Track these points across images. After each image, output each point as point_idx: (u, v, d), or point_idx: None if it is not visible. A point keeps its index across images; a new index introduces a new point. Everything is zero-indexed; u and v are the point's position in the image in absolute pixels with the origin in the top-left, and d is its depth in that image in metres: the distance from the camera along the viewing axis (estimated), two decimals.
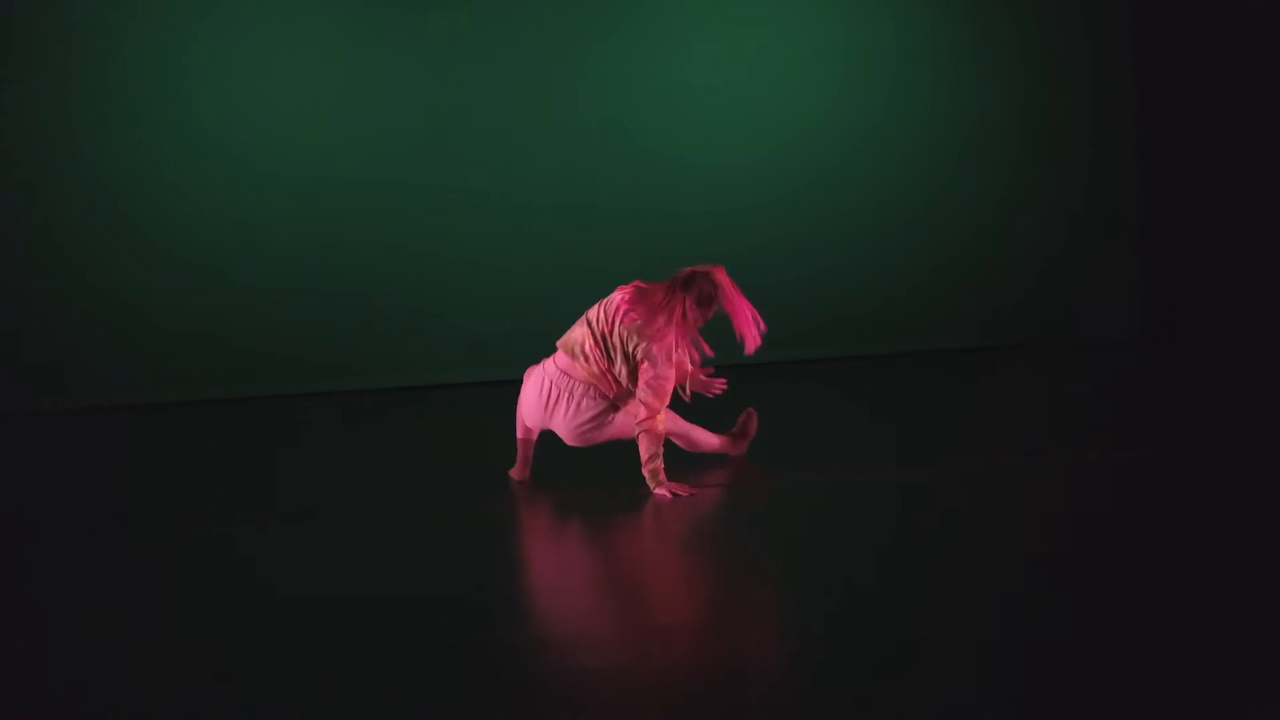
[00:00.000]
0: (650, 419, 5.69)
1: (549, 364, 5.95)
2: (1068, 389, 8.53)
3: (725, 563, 5.09)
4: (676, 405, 6.14)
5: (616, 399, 5.88)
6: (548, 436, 6.25)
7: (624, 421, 5.89)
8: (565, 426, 5.92)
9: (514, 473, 6.17)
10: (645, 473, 5.74)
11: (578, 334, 5.90)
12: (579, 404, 5.87)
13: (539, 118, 9.51)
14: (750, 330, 5.69)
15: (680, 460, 6.16)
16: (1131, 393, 8.60)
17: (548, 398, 5.90)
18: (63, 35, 8.76)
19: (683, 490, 5.72)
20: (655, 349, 5.67)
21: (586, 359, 5.84)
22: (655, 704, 3.62)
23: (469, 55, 9.38)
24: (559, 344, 5.98)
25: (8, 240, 8.77)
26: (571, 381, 5.87)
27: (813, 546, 5.09)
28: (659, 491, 5.69)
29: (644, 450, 5.73)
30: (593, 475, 6.14)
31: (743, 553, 5.17)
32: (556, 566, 5.15)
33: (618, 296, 5.86)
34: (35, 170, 8.77)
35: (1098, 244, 10.51)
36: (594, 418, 5.88)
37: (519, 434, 6.15)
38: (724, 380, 6.15)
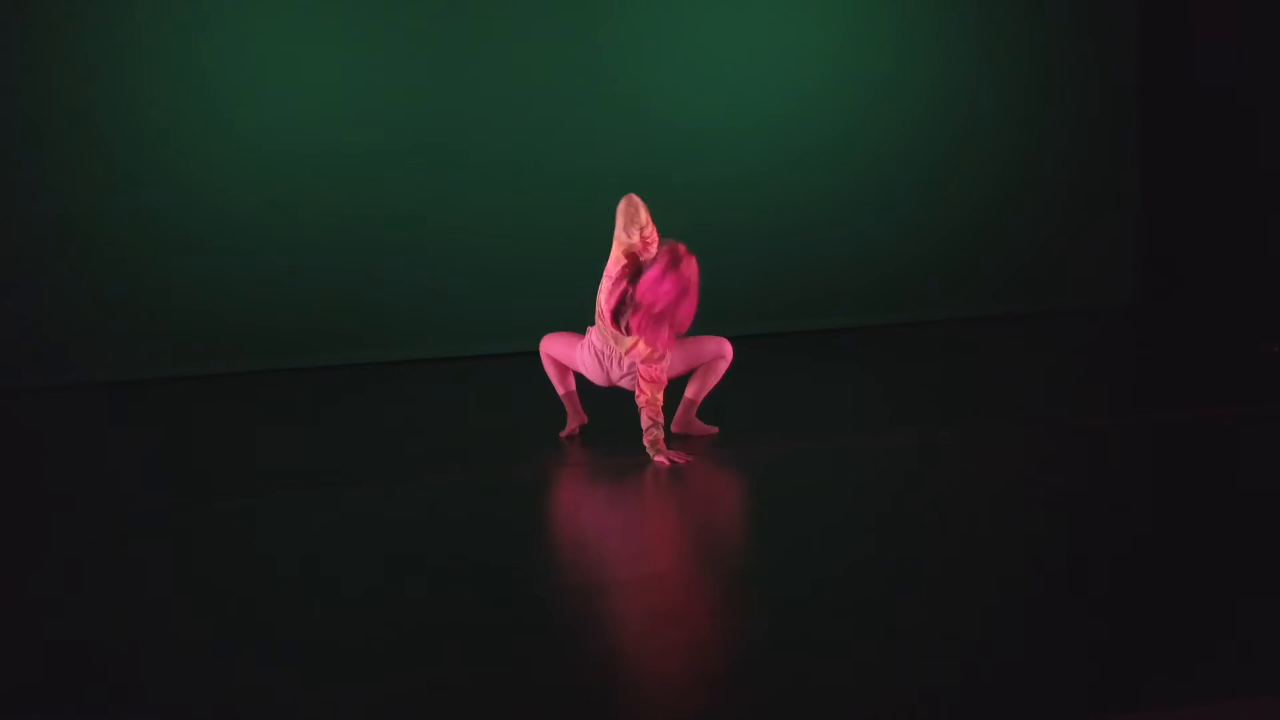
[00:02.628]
0: (644, 397, 6.18)
1: (593, 334, 6.42)
2: (1062, 357, 8.74)
3: (718, 522, 5.59)
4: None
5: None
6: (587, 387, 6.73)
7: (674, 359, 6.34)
8: (625, 380, 6.38)
9: (569, 429, 6.72)
10: (645, 443, 6.20)
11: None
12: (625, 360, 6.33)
13: (552, 87, 9.59)
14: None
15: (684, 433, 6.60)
16: (1125, 360, 8.81)
17: (605, 365, 6.36)
18: (80, 12, 8.88)
19: (681, 458, 6.16)
20: (645, 357, 6.20)
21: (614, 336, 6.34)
22: (661, 645, 4.13)
23: (479, 23, 9.47)
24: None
25: (28, 219, 8.89)
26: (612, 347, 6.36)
27: (799, 510, 5.53)
28: (658, 459, 6.15)
29: (643, 422, 6.22)
30: (602, 449, 6.57)
31: (736, 513, 5.70)
32: (569, 527, 5.64)
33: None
34: (54, 148, 8.89)
35: (1096, 211, 10.55)
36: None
37: (560, 391, 6.69)
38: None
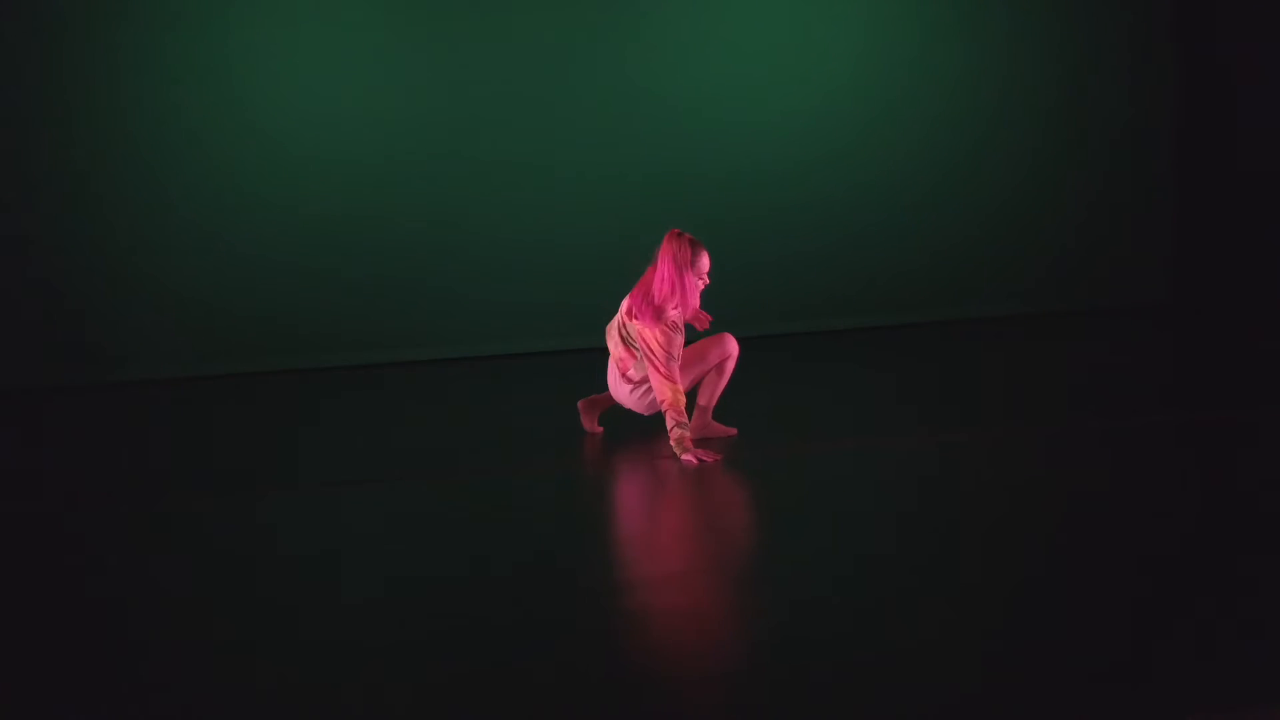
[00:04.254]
0: (667, 400, 6.22)
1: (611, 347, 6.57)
2: (1089, 356, 8.73)
3: (740, 521, 5.59)
4: None
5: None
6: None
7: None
8: (630, 402, 6.57)
9: (587, 408, 6.85)
10: (671, 442, 6.21)
11: (612, 335, 6.52)
12: (634, 383, 6.48)
13: (575, 87, 9.64)
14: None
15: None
16: (1156, 360, 8.79)
17: (616, 379, 6.55)
18: (112, 20, 9.00)
19: (708, 456, 6.17)
20: (656, 344, 6.26)
21: (621, 357, 6.46)
22: (683, 643, 4.14)
23: (504, 25, 9.53)
24: (607, 330, 6.60)
25: (59, 220, 9.00)
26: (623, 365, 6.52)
27: (826, 509, 5.54)
28: (685, 458, 6.15)
29: (668, 423, 6.24)
30: (628, 448, 6.59)
31: (760, 512, 5.68)
32: (594, 526, 5.60)
33: (626, 303, 6.43)
34: (84, 151, 9.01)
35: (1129, 210, 10.52)
36: (646, 390, 6.50)
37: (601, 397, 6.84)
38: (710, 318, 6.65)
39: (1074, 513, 5.22)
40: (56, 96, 8.99)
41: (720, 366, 6.58)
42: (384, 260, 9.47)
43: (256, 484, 6.28)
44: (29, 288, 9.03)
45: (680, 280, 6.27)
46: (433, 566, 4.96)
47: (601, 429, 6.82)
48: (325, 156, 9.35)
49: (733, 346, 6.59)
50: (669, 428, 6.19)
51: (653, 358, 6.28)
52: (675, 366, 6.28)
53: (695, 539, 5.38)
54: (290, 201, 9.32)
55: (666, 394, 6.22)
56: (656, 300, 6.28)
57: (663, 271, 6.28)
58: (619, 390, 6.58)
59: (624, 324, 6.41)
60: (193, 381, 9.08)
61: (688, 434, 6.18)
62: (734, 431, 6.66)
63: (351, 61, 9.38)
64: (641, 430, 6.68)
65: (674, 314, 6.32)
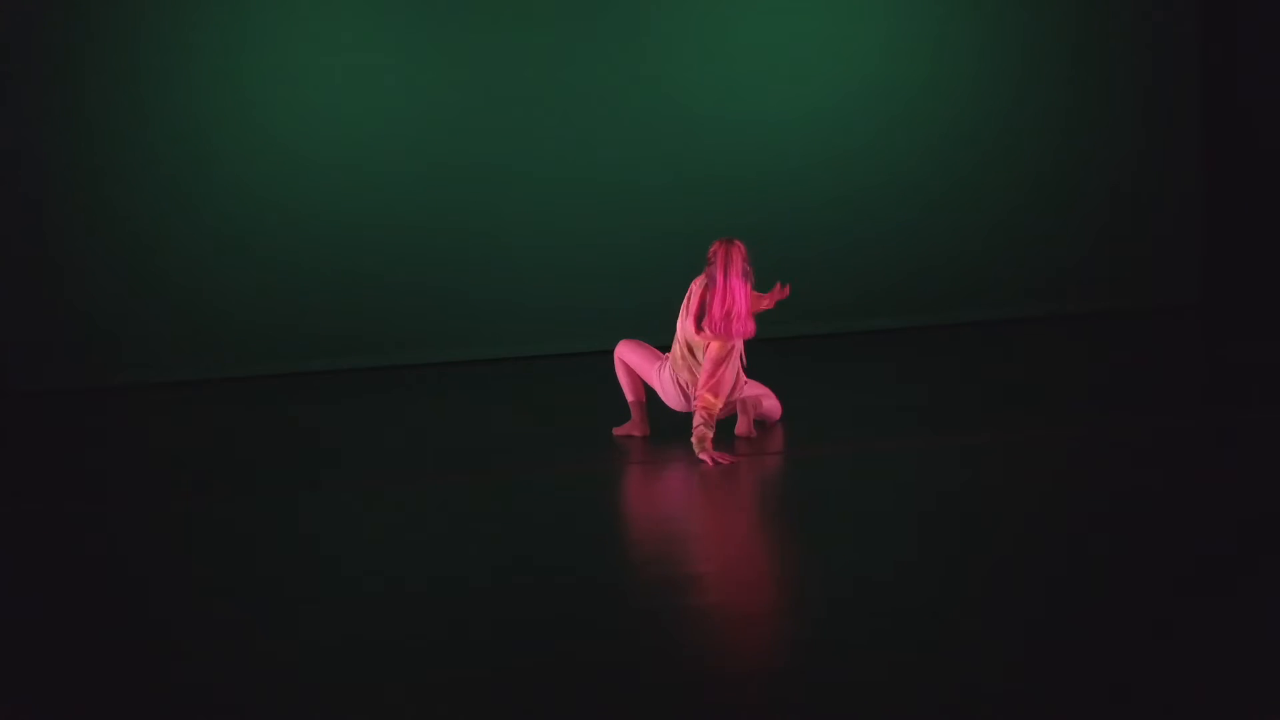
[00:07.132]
0: (702, 403, 6.17)
1: (673, 365, 6.54)
2: (1113, 357, 8.65)
3: (759, 523, 5.54)
4: None
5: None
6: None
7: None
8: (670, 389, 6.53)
9: (628, 430, 6.71)
10: (693, 440, 6.14)
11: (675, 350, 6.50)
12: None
13: (594, 90, 9.56)
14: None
15: (726, 431, 6.57)
16: (1185, 361, 8.72)
17: (689, 392, 6.44)
18: (131, 28, 9.03)
19: (724, 459, 6.10)
20: (711, 357, 6.24)
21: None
22: (703, 644, 4.09)
23: (511, 26, 9.46)
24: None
25: (76, 225, 9.03)
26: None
27: (845, 511, 5.48)
28: (702, 456, 6.09)
29: (695, 419, 6.16)
30: (647, 450, 6.54)
31: (778, 514, 5.64)
32: (614, 526, 5.56)
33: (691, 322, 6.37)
34: (103, 157, 9.03)
35: (1155, 209, 10.27)
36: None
37: (630, 398, 6.70)
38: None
39: (1098, 515, 5.15)
40: (70, 99, 9.00)
41: (765, 411, 6.66)
42: (390, 263, 9.41)
43: (262, 485, 6.27)
44: (42, 291, 9.03)
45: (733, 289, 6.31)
46: (437, 566, 4.94)
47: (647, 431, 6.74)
48: (336, 161, 9.30)
49: (771, 413, 6.69)
50: (695, 424, 6.13)
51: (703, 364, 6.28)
52: (721, 383, 6.22)
53: (709, 540, 5.32)
54: (301, 205, 9.29)
55: (707, 398, 6.18)
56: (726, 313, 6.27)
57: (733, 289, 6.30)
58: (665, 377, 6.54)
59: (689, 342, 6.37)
60: (202, 384, 9.08)
61: (710, 435, 6.12)
62: (754, 433, 6.60)
63: (362, 67, 9.32)
64: (660, 434, 6.61)
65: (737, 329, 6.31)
